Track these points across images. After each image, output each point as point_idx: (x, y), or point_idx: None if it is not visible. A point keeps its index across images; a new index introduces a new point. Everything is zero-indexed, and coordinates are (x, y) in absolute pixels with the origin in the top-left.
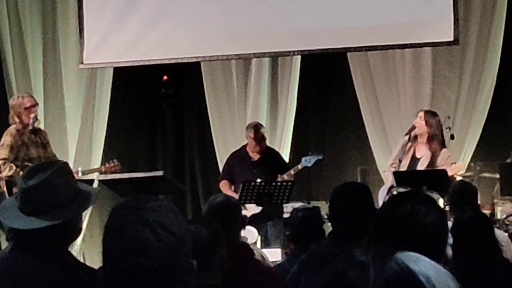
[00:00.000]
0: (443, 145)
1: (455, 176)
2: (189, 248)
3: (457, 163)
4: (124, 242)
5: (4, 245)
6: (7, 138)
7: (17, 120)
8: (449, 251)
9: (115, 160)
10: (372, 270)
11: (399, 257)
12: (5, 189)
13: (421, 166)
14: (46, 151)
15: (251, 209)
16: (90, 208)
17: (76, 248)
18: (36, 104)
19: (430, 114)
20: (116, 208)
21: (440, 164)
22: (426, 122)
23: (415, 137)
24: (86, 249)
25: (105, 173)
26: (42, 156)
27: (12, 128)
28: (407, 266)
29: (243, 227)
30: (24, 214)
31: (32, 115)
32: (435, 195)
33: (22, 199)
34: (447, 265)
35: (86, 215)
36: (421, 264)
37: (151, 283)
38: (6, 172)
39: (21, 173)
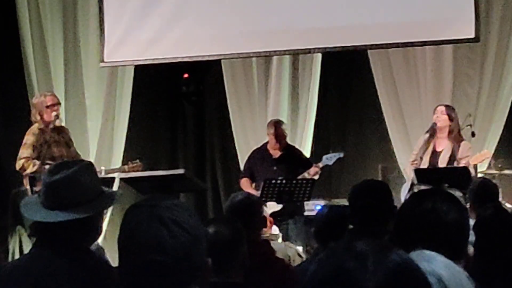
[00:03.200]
0: (462, 138)
1: (480, 163)
2: (203, 246)
3: (482, 151)
4: (138, 239)
5: (25, 242)
6: (29, 137)
7: (38, 118)
8: (471, 250)
9: (137, 160)
10: (371, 262)
11: (405, 252)
12: (28, 186)
13: (443, 159)
14: (69, 149)
15: (271, 207)
16: (111, 207)
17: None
18: (59, 103)
19: (450, 109)
20: (131, 208)
21: (462, 156)
22: (448, 116)
23: (435, 132)
24: (107, 248)
25: (127, 172)
26: (65, 155)
27: (34, 127)
28: (407, 258)
29: (265, 225)
30: (47, 209)
31: (53, 114)
32: (457, 193)
33: (46, 193)
34: (469, 264)
35: (107, 214)
36: (434, 263)
37: (165, 279)
38: (30, 169)
39: (44, 169)
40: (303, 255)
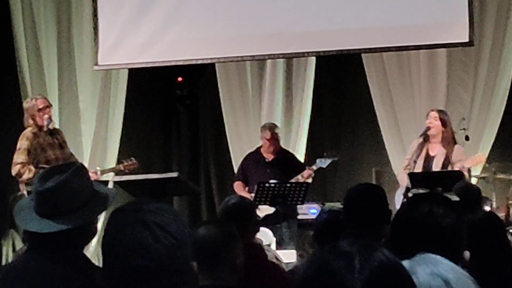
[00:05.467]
0: (454, 141)
1: (475, 166)
2: (189, 249)
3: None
4: (122, 243)
5: (18, 245)
6: (23, 141)
7: (31, 122)
8: (467, 254)
9: (132, 158)
10: (357, 261)
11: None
12: (25, 191)
13: (437, 164)
14: (63, 151)
15: (264, 210)
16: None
17: (91, 249)
18: (50, 105)
19: (443, 113)
20: (115, 211)
21: (456, 160)
22: (442, 121)
23: (428, 137)
24: (99, 250)
25: (123, 171)
26: (60, 158)
27: (28, 131)
28: (393, 257)
29: (258, 229)
30: (39, 216)
31: (45, 116)
32: (454, 197)
33: (38, 201)
34: (465, 268)
35: (102, 216)
36: (440, 266)
37: (149, 284)
38: (27, 175)
39: None
40: (282, 259)
